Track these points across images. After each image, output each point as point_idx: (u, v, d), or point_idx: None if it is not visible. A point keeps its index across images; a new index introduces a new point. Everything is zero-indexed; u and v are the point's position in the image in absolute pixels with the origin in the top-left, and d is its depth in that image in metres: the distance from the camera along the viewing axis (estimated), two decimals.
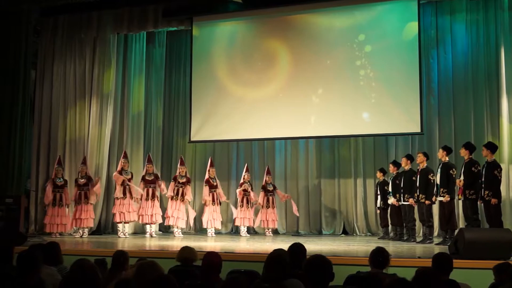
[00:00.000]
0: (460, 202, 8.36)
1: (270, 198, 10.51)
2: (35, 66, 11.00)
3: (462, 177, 7.77)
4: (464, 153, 7.94)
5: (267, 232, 10.52)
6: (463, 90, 10.16)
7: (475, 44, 10.10)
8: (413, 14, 9.37)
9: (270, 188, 10.59)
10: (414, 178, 8.63)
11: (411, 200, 8.59)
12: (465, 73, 10.15)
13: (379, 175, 9.78)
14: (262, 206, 10.46)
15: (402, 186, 8.85)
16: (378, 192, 9.78)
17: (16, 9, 10.36)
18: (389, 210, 9.41)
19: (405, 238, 8.96)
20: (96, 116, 10.74)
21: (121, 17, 10.51)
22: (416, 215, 8.80)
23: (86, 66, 10.88)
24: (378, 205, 9.81)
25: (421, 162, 8.52)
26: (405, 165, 8.95)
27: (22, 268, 3.72)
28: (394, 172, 9.33)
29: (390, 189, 9.25)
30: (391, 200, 9.15)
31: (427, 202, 8.30)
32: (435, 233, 9.14)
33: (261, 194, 10.56)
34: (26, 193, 10.26)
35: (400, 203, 8.89)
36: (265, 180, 10.60)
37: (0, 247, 4.55)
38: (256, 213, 10.54)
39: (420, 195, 8.35)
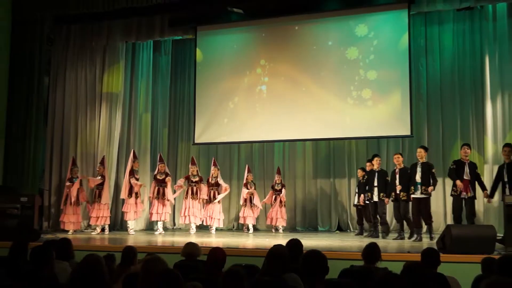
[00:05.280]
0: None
1: (277, 197, 10.39)
2: (49, 72, 10.99)
3: (467, 177, 7.73)
4: (468, 152, 8.01)
5: (273, 230, 10.43)
6: (450, 95, 10.18)
7: (462, 52, 10.12)
8: (404, 24, 9.34)
9: (278, 187, 10.47)
10: (387, 177, 8.65)
11: (387, 199, 8.55)
12: (452, 79, 10.17)
13: (360, 173, 9.67)
14: (271, 205, 10.39)
15: (376, 185, 8.75)
16: (357, 191, 9.70)
17: (31, 18, 10.37)
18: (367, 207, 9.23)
19: (375, 234, 8.80)
20: (106, 120, 10.76)
21: (129, 27, 10.51)
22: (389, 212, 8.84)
23: (97, 72, 10.91)
24: (356, 202, 9.69)
25: (421, 158, 8.31)
26: (377, 165, 8.92)
27: (36, 262, 3.73)
28: (361, 176, 9.41)
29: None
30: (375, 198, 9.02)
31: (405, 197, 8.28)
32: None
33: (270, 193, 10.51)
34: (40, 192, 10.25)
35: (375, 200, 8.79)
36: (275, 180, 10.54)
37: (16, 243, 4.56)
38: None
39: (422, 188, 8.10)
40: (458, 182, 7.72)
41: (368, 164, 9.37)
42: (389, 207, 9.09)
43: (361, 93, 9.60)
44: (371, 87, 9.55)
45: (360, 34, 9.67)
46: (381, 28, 9.63)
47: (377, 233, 8.79)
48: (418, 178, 8.13)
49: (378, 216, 8.80)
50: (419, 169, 8.16)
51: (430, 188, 8.08)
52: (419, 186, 8.09)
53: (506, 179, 7.32)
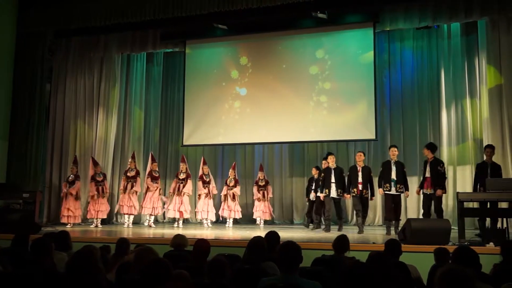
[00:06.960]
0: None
1: (261, 192, 10.16)
2: (50, 80, 10.84)
3: (428, 174, 7.60)
4: (427, 152, 7.75)
5: (259, 223, 10.16)
6: (410, 103, 10.29)
7: (420, 66, 10.25)
8: (369, 41, 9.42)
9: (262, 183, 10.24)
10: (343, 174, 8.45)
11: (348, 195, 8.36)
12: (412, 89, 10.29)
13: (314, 172, 9.51)
14: (257, 200, 10.13)
15: (334, 181, 8.45)
16: (313, 187, 9.44)
17: (34, 31, 10.23)
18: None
19: (323, 227, 8.63)
20: (102, 124, 10.62)
21: (124, 40, 10.42)
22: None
23: (94, 81, 10.76)
24: (311, 197, 9.48)
25: (394, 156, 8.06)
26: (332, 163, 8.62)
27: (36, 253, 3.64)
28: (316, 175, 9.25)
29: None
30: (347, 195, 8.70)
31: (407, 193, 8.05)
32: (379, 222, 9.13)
33: (255, 188, 10.26)
34: (41, 189, 10.07)
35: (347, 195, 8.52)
36: (258, 176, 10.34)
37: (18, 235, 4.46)
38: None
39: (398, 186, 7.90)
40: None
41: (324, 162, 9.06)
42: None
43: (319, 98, 9.73)
44: (326, 94, 9.70)
45: (319, 56, 9.84)
46: (349, 44, 9.71)
47: (328, 227, 8.49)
48: (393, 176, 7.87)
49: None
50: (393, 168, 7.92)
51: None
52: (393, 183, 7.88)
53: (489, 177, 7.18)
